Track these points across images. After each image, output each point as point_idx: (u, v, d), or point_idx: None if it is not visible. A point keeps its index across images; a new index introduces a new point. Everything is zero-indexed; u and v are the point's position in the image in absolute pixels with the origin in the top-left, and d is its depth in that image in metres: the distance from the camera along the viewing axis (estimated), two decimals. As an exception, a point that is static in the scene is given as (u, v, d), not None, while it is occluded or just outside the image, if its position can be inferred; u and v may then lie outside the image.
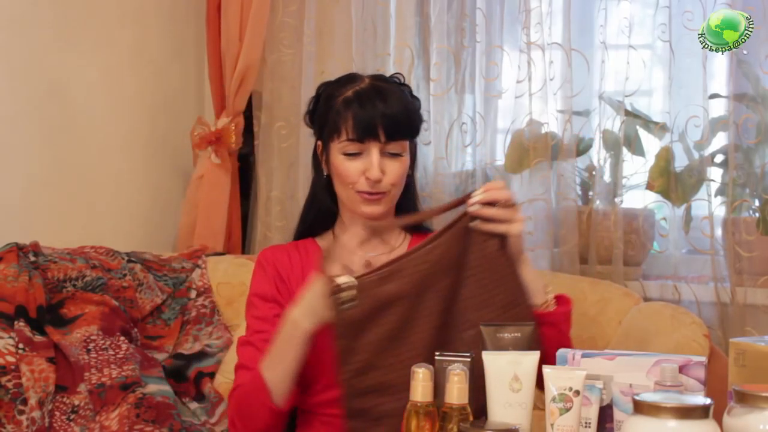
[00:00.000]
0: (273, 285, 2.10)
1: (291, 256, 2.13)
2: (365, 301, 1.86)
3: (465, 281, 1.91)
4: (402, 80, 2.16)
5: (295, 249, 2.15)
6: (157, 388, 2.38)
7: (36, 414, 2.24)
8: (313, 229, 2.17)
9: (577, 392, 1.63)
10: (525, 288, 1.93)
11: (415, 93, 2.18)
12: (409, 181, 2.13)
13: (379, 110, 2.02)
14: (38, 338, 2.33)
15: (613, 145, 2.68)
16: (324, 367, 1.98)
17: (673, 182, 2.61)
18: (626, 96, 2.64)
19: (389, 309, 1.87)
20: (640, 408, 1.48)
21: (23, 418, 2.23)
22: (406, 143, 2.06)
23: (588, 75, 2.72)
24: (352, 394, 1.85)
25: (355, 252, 2.11)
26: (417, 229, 2.16)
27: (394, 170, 2.05)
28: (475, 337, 1.81)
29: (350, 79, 2.11)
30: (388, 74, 2.89)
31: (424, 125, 2.22)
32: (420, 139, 2.26)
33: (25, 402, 2.25)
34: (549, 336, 1.89)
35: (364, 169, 2.03)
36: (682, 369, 1.68)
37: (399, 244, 2.14)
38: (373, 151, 2.03)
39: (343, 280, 1.85)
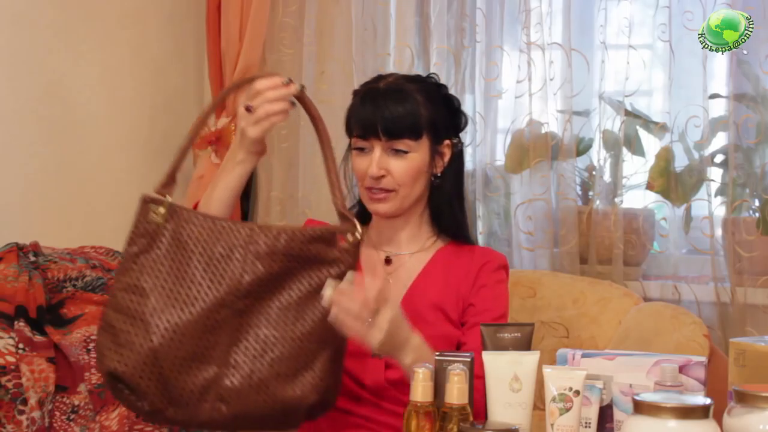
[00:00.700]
0: None
1: None
2: (169, 226, 1.75)
3: (277, 300, 1.74)
4: (435, 80, 2.16)
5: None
6: (157, 388, 2.38)
7: (36, 414, 2.24)
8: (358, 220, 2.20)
9: (577, 392, 1.63)
10: (327, 368, 1.76)
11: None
12: (441, 183, 2.12)
13: (380, 109, 2.04)
14: (38, 338, 2.33)
15: (613, 145, 2.68)
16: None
17: (673, 182, 2.61)
18: (626, 96, 2.64)
19: (183, 250, 1.75)
20: (640, 408, 1.48)
21: (23, 418, 2.23)
22: (415, 142, 2.05)
23: (588, 75, 2.72)
24: (111, 306, 1.76)
25: (379, 248, 2.13)
26: (455, 237, 2.15)
27: (398, 168, 2.05)
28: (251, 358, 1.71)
29: (379, 77, 2.15)
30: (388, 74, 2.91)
31: None
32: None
33: (25, 402, 2.25)
34: None
35: (368, 165, 2.05)
36: (682, 369, 1.68)
37: (428, 246, 2.14)
38: (376, 149, 2.05)
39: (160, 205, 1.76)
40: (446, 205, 2.14)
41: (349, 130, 2.10)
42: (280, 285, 1.74)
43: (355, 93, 2.14)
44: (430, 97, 2.09)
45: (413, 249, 2.13)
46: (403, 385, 1.93)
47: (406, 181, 2.06)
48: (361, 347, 2.02)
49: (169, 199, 1.77)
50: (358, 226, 1.79)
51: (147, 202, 1.78)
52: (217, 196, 1.91)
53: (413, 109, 2.05)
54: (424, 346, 1.85)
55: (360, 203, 2.17)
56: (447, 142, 2.11)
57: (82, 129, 2.85)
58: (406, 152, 2.05)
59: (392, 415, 2.00)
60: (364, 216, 2.17)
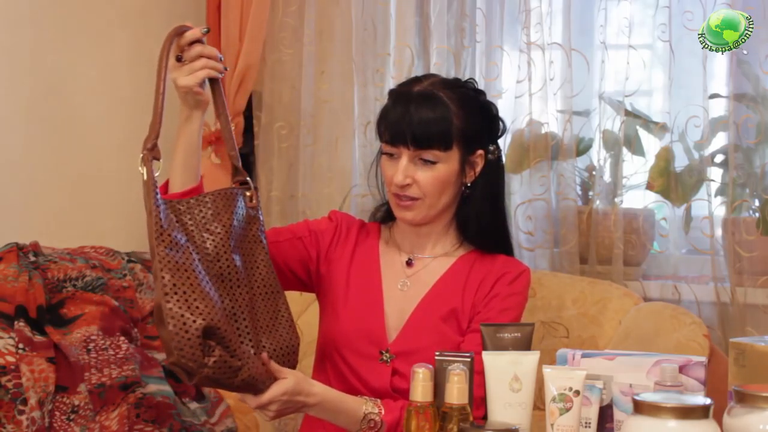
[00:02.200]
0: (326, 233, 2.14)
1: (351, 231, 2.16)
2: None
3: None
4: (473, 85, 2.12)
5: (361, 227, 2.18)
6: (157, 388, 2.38)
7: (36, 414, 2.24)
8: (382, 219, 2.19)
9: (577, 392, 1.63)
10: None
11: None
12: (471, 193, 2.08)
13: (409, 115, 2.00)
14: (38, 338, 2.33)
15: (613, 145, 2.68)
16: None
17: (673, 182, 2.61)
18: (626, 96, 2.64)
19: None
20: (640, 408, 1.48)
21: (23, 418, 2.23)
22: (444, 153, 2.01)
23: (588, 75, 2.71)
24: (164, 268, 1.77)
25: (402, 249, 2.13)
26: (480, 247, 2.12)
27: (424, 178, 2.02)
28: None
29: (415, 79, 2.10)
30: (388, 74, 2.91)
31: None
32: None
33: (25, 402, 2.25)
34: None
35: (395, 172, 2.03)
36: (682, 369, 1.68)
37: (451, 251, 2.12)
38: (403, 156, 2.02)
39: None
40: (473, 216, 2.09)
41: (380, 134, 2.07)
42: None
43: (390, 94, 2.10)
44: (464, 105, 2.04)
45: (437, 253, 2.12)
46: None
47: (433, 191, 2.03)
48: (371, 349, 2.02)
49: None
50: (251, 184, 1.98)
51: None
52: (178, 161, 1.98)
53: (444, 119, 2.00)
54: (325, 408, 1.91)
55: (388, 204, 2.15)
56: (480, 151, 2.07)
57: (82, 129, 2.85)
58: (433, 162, 2.01)
59: None
60: (390, 217, 2.16)
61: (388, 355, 2.03)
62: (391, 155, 2.04)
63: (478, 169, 2.07)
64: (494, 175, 2.11)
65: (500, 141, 2.77)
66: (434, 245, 2.12)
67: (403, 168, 2.01)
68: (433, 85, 2.05)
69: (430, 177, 2.02)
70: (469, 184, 2.07)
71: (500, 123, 2.13)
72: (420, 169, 2.02)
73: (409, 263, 2.11)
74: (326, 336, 2.10)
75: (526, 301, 2.10)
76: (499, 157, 2.12)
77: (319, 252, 2.12)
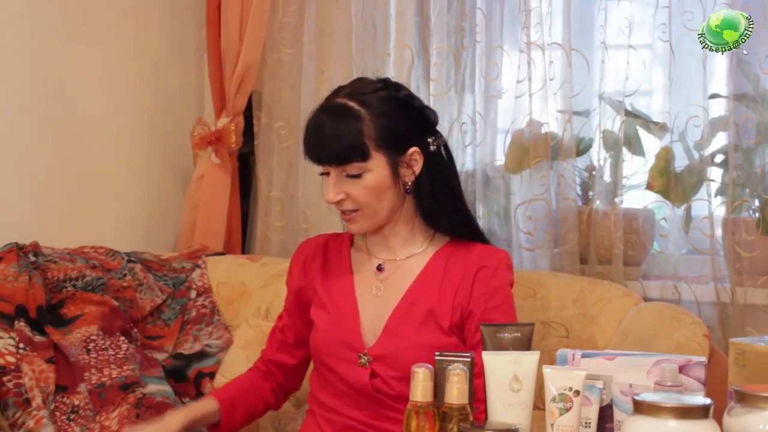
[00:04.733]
0: (295, 276, 2.16)
1: (317, 250, 2.16)
2: None
3: None
4: (390, 84, 2.07)
5: (331, 239, 2.18)
6: (157, 388, 2.38)
7: (44, 413, 2.24)
8: None
9: (577, 392, 1.63)
10: None
11: (415, 93, 2.17)
12: (420, 188, 2.03)
13: (320, 135, 1.98)
14: (38, 338, 2.33)
15: (613, 145, 2.68)
16: None
17: (673, 182, 2.61)
18: (626, 96, 2.64)
19: None
20: (640, 408, 1.48)
21: (23, 418, 2.24)
22: (365, 163, 1.98)
23: (588, 75, 2.71)
24: None
25: (372, 254, 2.12)
26: (454, 236, 2.10)
27: (354, 191, 1.99)
28: None
29: (337, 90, 2.07)
30: (388, 74, 2.92)
31: None
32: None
33: (26, 402, 2.25)
34: None
35: (327, 190, 2.02)
36: (682, 369, 1.68)
37: (425, 248, 2.10)
38: (331, 174, 2.01)
39: None
40: (434, 207, 2.06)
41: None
42: None
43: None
44: (381, 110, 1.99)
45: (407, 254, 2.10)
46: (395, 397, 1.95)
47: (368, 201, 2.00)
48: (349, 354, 2.03)
49: None
50: None
51: None
52: None
53: (351, 132, 1.96)
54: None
55: None
56: (414, 149, 2.02)
57: (82, 129, 2.85)
58: (358, 175, 1.98)
59: (386, 419, 2.01)
60: None
61: (365, 358, 2.02)
62: (324, 173, 2.03)
63: (418, 166, 2.03)
64: (439, 167, 2.06)
65: (499, 141, 2.80)
66: (403, 246, 2.09)
67: (332, 185, 1.99)
68: (348, 96, 2.01)
69: (359, 188, 1.99)
70: (410, 183, 2.03)
71: (429, 113, 2.08)
72: (348, 183, 1.99)
73: (379, 268, 2.10)
74: (312, 345, 2.13)
75: (513, 283, 2.09)
76: (443, 146, 2.08)
77: (302, 294, 2.15)
